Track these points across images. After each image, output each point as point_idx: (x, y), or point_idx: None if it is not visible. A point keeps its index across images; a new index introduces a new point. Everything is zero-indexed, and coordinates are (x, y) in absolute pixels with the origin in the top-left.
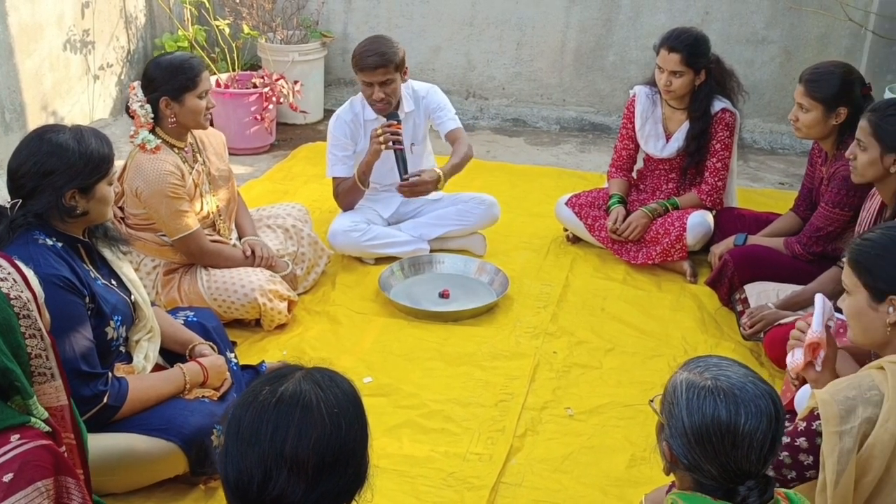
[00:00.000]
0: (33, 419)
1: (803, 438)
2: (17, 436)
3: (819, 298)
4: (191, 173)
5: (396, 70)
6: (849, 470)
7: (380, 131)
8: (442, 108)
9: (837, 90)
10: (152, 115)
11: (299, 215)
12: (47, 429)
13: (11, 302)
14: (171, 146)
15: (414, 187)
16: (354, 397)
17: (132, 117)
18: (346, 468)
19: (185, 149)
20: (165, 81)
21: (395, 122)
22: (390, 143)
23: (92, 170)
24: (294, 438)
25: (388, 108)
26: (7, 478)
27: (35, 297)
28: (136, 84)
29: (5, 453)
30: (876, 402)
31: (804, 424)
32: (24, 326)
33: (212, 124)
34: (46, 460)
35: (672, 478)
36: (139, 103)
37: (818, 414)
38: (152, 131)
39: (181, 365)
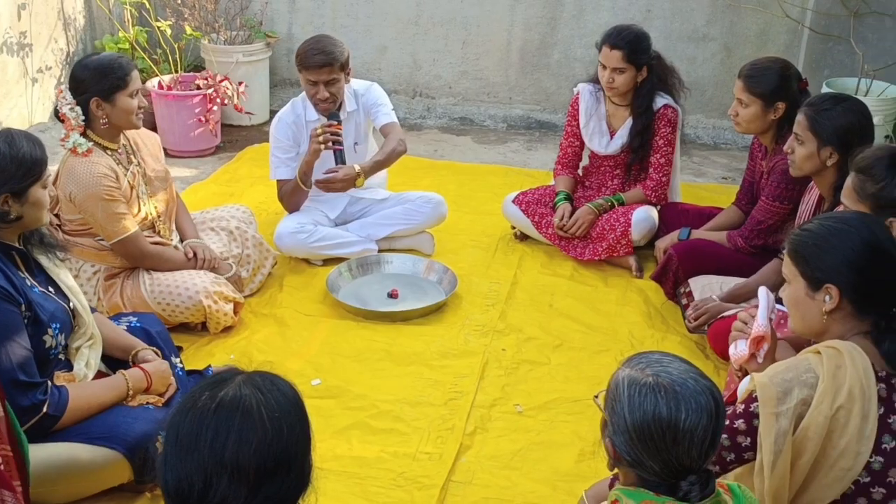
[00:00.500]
0: None
1: (741, 420)
2: None
3: (763, 291)
4: (126, 175)
5: (341, 69)
6: (785, 451)
7: (319, 130)
8: (379, 103)
9: (775, 85)
10: (83, 118)
11: (243, 217)
12: None
13: None
14: (104, 148)
15: (328, 184)
16: (296, 400)
17: (62, 121)
18: (288, 473)
19: (119, 150)
20: (95, 82)
21: (336, 123)
22: (329, 143)
23: (24, 173)
24: (234, 444)
25: (332, 108)
26: None
27: None
28: (64, 87)
29: None
30: (811, 384)
31: (742, 407)
32: None
33: (154, 129)
34: None
35: (615, 471)
36: (69, 106)
37: (756, 396)
38: (83, 134)
39: (123, 371)
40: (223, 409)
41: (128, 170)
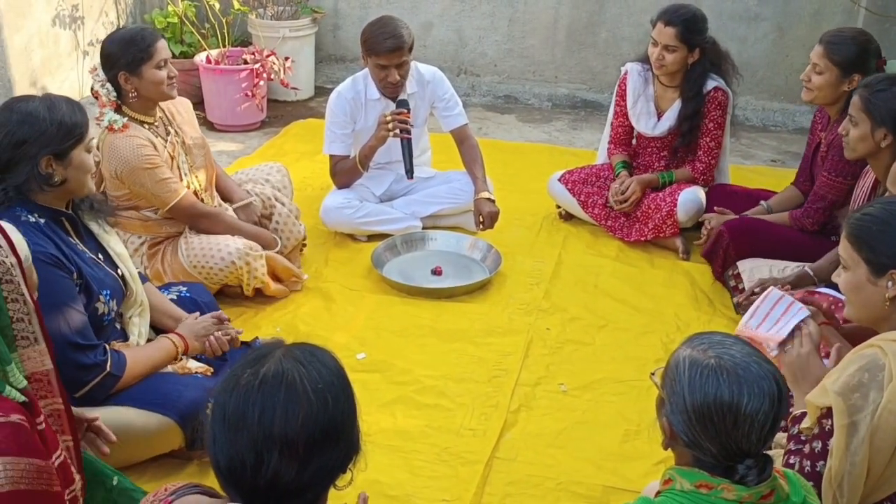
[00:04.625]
0: (8, 388)
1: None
2: None
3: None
4: (165, 146)
5: (410, 51)
6: (861, 459)
7: (389, 118)
8: (451, 100)
9: (855, 56)
10: (115, 94)
11: (278, 180)
12: (22, 398)
13: None
14: (141, 123)
15: (492, 223)
16: (338, 370)
17: (97, 98)
18: (336, 442)
19: (156, 123)
20: (120, 56)
21: (405, 111)
22: (397, 132)
23: (65, 135)
24: (281, 419)
25: (400, 91)
26: None
27: (20, 261)
28: (97, 64)
29: None
30: (885, 385)
31: (829, 423)
32: (6, 291)
33: (201, 103)
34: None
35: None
36: (100, 83)
37: (825, 412)
38: (118, 110)
39: (165, 335)
40: (267, 385)
41: (167, 140)
